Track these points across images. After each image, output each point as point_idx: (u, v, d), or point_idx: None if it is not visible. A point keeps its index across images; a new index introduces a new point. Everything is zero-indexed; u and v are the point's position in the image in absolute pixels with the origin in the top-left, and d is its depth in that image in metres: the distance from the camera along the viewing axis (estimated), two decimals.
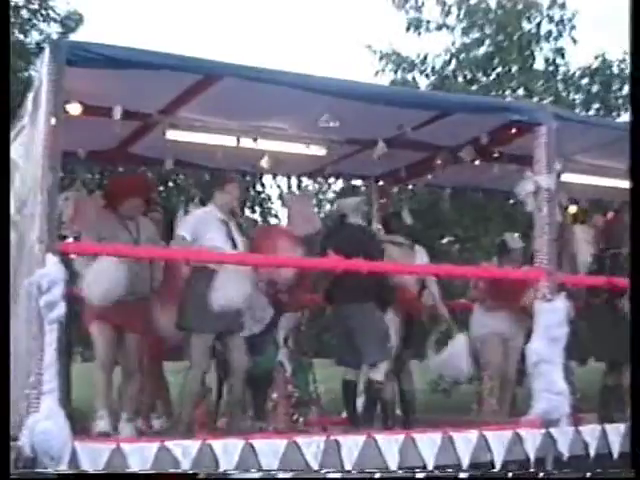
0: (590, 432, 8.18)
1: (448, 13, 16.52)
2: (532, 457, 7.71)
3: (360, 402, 8.85)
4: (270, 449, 6.76)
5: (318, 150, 9.19)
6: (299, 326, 8.76)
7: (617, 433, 8.20)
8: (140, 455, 6.36)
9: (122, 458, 6.31)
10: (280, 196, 16.53)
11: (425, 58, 16.47)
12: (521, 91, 15.72)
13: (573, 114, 12.52)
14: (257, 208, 15.74)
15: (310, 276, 8.93)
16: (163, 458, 6.42)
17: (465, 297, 10.30)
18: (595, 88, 16.21)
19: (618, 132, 8.47)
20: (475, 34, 16.41)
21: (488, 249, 13.51)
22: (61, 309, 6.34)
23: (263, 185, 16.09)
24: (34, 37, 14.75)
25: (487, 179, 10.20)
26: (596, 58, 16.33)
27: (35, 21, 14.77)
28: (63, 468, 6.08)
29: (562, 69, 16.46)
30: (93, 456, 6.23)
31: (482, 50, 16.38)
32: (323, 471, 6.79)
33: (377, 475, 6.67)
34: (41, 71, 6.71)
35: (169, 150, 9.02)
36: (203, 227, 7.70)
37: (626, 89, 15.56)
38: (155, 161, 9.61)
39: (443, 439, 7.43)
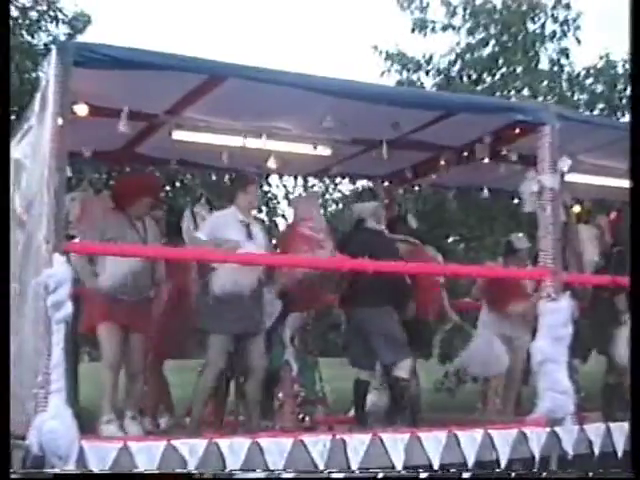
0: (594, 431, 8.20)
1: (453, 14, 16.56)
2: (537, 456, 7.73)
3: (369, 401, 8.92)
4: (276, 448, 6.78)
5: (323, 150, 9.21)
6: (305, 325, 8.78)
7: (621, 432, 8.20)
8: (147, 454, 6.39)
9: (129, 457, 6.33)
10: (286, 196, 16.63)
11: (430, 58, 16.52)
12: (526, 91, 15.72)
13: (577, 114, 12.53)
14: (263, 208, 15.79)
15: (318, 276, 8.93)
16: (170, 457, 6.44)
17: (470, 296, 10.34)
18: (599, 88, 16.20)
19: (622, 132, 8.48)
20: (480, 35, 16.44)
21: (493, 249, 13.54)
22: (68, 309, 6.36)
23: (269, 185, 16.16)
24: (42, 38, 14.77)
25: (492, 179, 10.21)
26: (600, 58, 16.35)
27: (43, 22, 14.80)
28: (71, 467, 6.10)
29: (566, 69, 16.48)
30: (100, 455, 6.25)
31: (487, 50, 16.41)
32: (326, 471, 6.82)
33: (380, 475, 6.70)
34: (48, 72, 6.73)
35: (175, 150, 9.06)
36: (223, 229, 7.72)
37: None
38: (161, 161, 9.64)
39: (448, 438, 7.44)
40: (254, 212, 9.03)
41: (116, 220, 7.82)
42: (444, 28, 16.62)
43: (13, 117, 10.45)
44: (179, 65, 7.01)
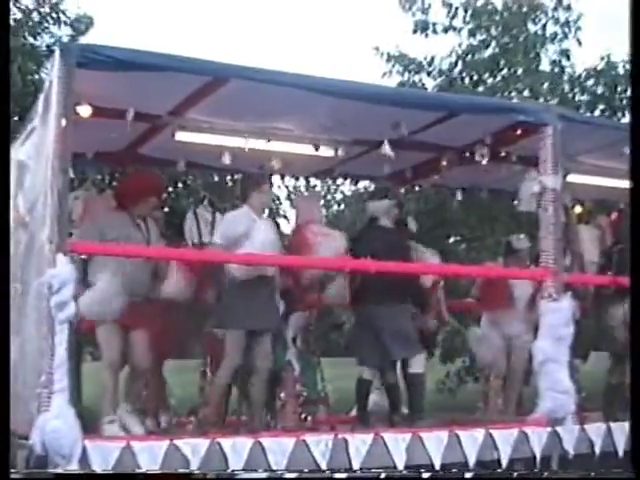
0: (595, 430, 8.22)
1: (454, 15, 16.55)
2: (538, 455, 7.76)
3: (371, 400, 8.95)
4: (278, 448, 6.81)
5: (325, 151, 9.23)
6: (307, 325, 8.80)
7: (622, 431, 8.21)
8: (150, 453, 6.42)
9: (132, 456, 6.36)
10: (288, 196, 16.64)
11: (432, 60, 16.50)
12: (527, 92, 15.72)
13: (578, 115, 12.54)
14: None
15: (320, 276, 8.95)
16: (173, 456, 6.48)
17: (470, 297, 10.35)
18: (600, 89, 16.19)
19: (623, 133, 8.49)
20: (481, 36, 16.43)
21: (494, 249, 13.54)
22: (71, 309, 6.37)
23: (272, 185, 16.14)
24: (45, 40, 14.82)
25: (493, 179, 10.23)
26: (601, 59, 16.30)
27: (46, 24, 14.83)
28: (74, 467, 6.12)
29: (567, 70, 16.47)
30: (103, 455, 6.28)
31: (488, 52, 16.39)
32: (328, 471, 6.84)
33: (383, 475, 6.72)
34: (51, 73, 6.77)
35: (178, 151, 9.07)
36: (237, 229, 7.74)
37: None
38: (164, 162, 9.66)
39: (450, 437, 7.47)
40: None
41: (119, 219, 7.83)
42: (445, 29, 16.62)
43: (17, 118, 10.50)
44: (182, 66, 7.03)
